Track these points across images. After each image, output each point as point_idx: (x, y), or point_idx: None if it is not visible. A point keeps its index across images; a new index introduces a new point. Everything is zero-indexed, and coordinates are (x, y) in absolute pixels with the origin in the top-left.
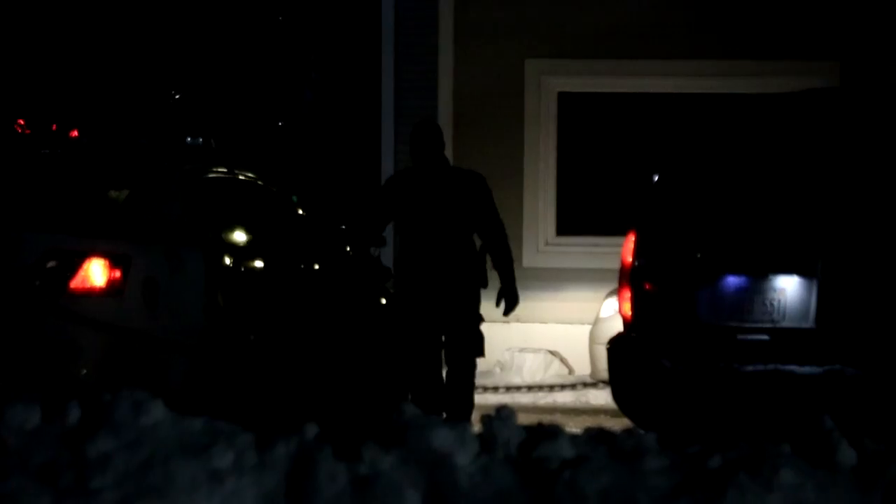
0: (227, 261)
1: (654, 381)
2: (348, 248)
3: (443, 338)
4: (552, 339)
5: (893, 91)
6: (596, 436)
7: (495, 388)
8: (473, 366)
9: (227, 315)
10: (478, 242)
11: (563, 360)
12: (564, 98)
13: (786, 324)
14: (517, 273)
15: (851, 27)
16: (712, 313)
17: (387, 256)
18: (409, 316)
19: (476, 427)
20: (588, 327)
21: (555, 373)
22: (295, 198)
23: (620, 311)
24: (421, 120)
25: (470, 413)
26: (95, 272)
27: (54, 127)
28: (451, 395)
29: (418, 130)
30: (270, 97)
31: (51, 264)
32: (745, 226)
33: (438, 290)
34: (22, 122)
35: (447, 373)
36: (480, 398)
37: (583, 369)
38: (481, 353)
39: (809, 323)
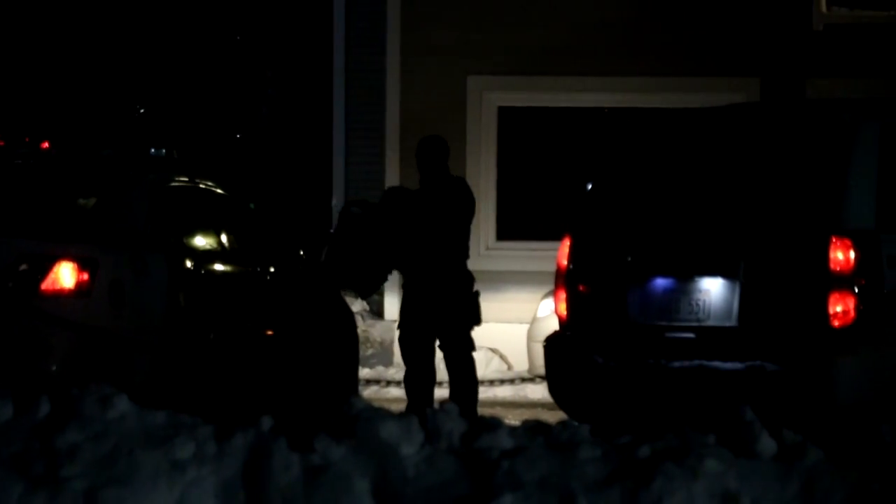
0: (189, 264)
1: (588, 377)
2: (301, 252)
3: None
4: (492, 338)
5: (809, 105)
6: (533, 428)
7: (439, 384)
8: None
9: (188, 315)
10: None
11: (502, 357)
12: (504, 112)
13: (710, 322)
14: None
15: (770, 45)
16: (642, 313)
17: None
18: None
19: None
20: (526, 326)
21: (495, 369)
22: (252, 205)
23: (556, 310)
24: (428, 135)
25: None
26: (65, 275)
27: (27, 139)
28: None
29: (429, 144)
30: (229, 111)
31: (23, 267)
32: (672, 231)
33: None
34: None
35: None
36: None
37: (521, 365)
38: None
39: (732, 322)
